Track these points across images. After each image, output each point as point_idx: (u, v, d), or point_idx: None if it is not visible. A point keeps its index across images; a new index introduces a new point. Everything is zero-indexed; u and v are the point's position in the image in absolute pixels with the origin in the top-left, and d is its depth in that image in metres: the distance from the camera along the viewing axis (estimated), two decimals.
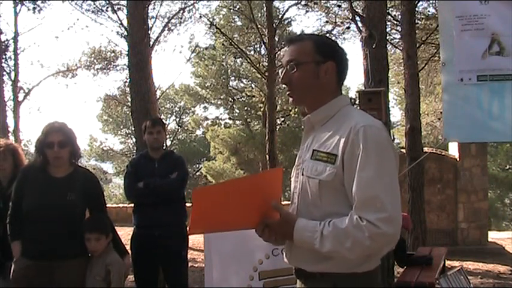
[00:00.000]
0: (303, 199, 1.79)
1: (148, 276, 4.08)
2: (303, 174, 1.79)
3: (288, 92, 1.85)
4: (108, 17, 11.48)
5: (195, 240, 10.35)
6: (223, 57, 22.82)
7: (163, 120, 4.45)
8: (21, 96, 15.78)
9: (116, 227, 3.37)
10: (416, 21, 9.92)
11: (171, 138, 28.75)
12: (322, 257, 1.69)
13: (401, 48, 9.56)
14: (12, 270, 3.08)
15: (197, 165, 29.72)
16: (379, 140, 1.65)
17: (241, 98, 25.01)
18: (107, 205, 3.54)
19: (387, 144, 1.67)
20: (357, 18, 5.01)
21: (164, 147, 4.38)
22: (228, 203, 1.71)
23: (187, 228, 1.74)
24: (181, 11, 12.81)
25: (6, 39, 14.42)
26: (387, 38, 6.32)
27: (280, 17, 15.43)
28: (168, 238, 3.97)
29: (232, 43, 14.69)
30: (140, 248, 4.05)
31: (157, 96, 12.75)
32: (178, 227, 4.07)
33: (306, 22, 69.42)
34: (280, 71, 1.89)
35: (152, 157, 4.17)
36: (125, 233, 4.14)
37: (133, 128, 6.74)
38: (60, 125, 3.17)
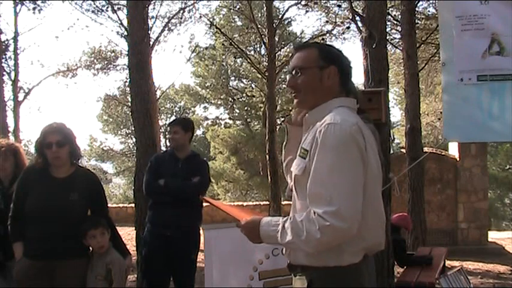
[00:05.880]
0: (294, 193, 1.91)
1: (157, 275, 4.09)
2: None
3: (293, 95, 1.96)
4: (108, 17, 11.52)
5: None
6: (223, 57, 22.79)
7: (188, 121, 4.42)
8: (21, 96, 15.80)
9: (116, 227, 3.37)
10: (416, 21, 9.92)
11: None
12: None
13: (401, 48, 9.55)
14: (14, 271, 3.09)
15: None
16: (338, 138, 1.71)
17: (241, 98, 25.01)
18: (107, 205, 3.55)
19: (348, 142, 1.72)
20: (357, 18, 4.99)
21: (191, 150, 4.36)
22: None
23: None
24: (181, 11, 12.82)
25: (6, 39, 14.40)
26: (387, 38, 6.31)
27: (280, 17, 15.41)
28: (179, 240, 4.00)
29: (232, 43, 14.67)
30: (151, 246, 4.07)
31: (157, 96, 12.77)
32: (191, 230, 4.09)
33: (306, 22, 69.40)
34: (287, 76, 2.01)
35: (177, 156, 4.18)
36: (125, 233, 4.15)
37: (133, 128, 6.74)
38: (58, 125, 3.17)
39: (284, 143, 2.14)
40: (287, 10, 14.86)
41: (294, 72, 1.92)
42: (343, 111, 1.83)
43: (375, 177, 1.82)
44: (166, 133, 4.26)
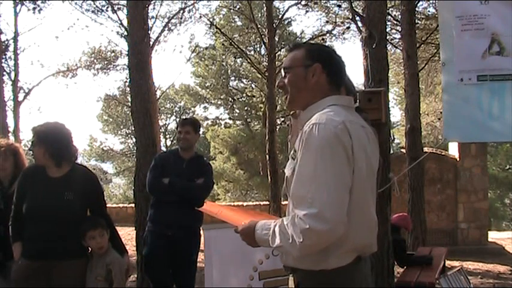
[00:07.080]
0: (288, 194, 1.90)
1: (159, 274, 4.11)
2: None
3: (284, 96, 1.97)
4: (108, 17, 11.52)
5: None
6: (223, 57, 22.81)
7: (198, 122, 4.42)
8: (21, 96, 15.81)
9: (115, 227, 3.37)
10: (416, 21, 9.91)
11: (171, 138, 28.77)
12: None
13: (401, 48, 9.54)
14: (12, 271, 3.09)
15: None
16: (322, 138, 1.67)
17: (241, 98, 25.02)
18: (107, 205, 3.54)
19: (332, 142, 1.67)
20: (357, 18, 4.98)
21: (196, 151, 4.37)
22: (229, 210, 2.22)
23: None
24: (181, 11, 12.83)
25: (6, 39, 14.40)
26: (387, 38, 6.30)
27: (280, 17, 15.40)
28: (181, 240, 4.01)
29: (232, 43, 14.66)
30: (153, 246, 4.08)
31: (157, 96, 12.78)
32: (192, 231, 4.10)
33: (306, 22, 69.45)
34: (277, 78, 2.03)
35: (182, 157, 4.19)
36: (125, 233, 4.15)
37: (133, 128, 6.73)
38: (35, 127, 3.18)
39: (289, 136, 2.17)
40: (287, 10, 14.87)
41: (283, 73, 1.94)
42: (333, 109, 1.79)
43: (363, 177, 1.76)
44: (177, 132, 4.25)
